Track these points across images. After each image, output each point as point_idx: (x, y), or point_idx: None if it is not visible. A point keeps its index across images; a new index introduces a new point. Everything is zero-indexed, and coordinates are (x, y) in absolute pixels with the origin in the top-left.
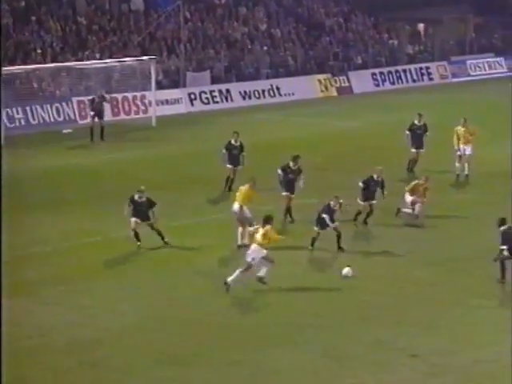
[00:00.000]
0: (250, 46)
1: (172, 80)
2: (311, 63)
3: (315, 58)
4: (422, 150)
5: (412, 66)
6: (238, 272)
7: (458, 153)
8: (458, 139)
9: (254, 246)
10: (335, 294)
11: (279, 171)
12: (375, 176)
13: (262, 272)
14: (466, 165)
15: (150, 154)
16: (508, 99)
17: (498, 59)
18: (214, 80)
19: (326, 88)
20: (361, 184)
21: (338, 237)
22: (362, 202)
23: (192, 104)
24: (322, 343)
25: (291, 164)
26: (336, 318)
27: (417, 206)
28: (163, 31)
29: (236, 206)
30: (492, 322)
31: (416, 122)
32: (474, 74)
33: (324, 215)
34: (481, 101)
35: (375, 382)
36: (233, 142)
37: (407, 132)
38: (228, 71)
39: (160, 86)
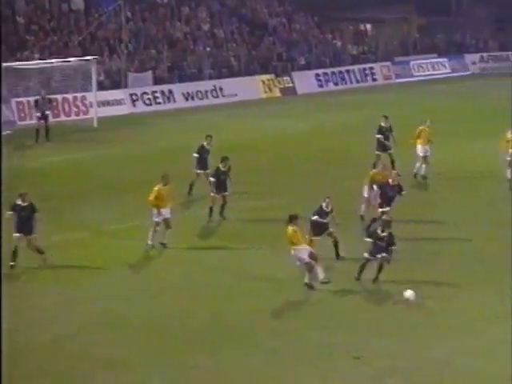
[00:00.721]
0: (192, 47)
1: (113, 81)
2: (254, 64)
3: (258, 58)
4: (390, 151)
5: (356, 67)
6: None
7: (420, 153)
8: (419, 139)
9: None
10: (279, 298)
11: (211, 178)
12: (390, 180)
13: (319, 274)
14: (424, 166)
15: (94, 156)
16: (450, 100)
17: (441, 60)
18: (157, 81)
19: (270, 89)
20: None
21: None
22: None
23: (134, 105)
24: (265, 346)
25: (221, 166)
26: (280, 322)
27: (372, 198)
28: (104, 31)
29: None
30: (436, 323)
31: (383, 124)
32: (417, 74)
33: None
34: (424, 102)
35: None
36: (205, 145)
37: (378, 136)
38: (170, 72)
39: (101, 86)
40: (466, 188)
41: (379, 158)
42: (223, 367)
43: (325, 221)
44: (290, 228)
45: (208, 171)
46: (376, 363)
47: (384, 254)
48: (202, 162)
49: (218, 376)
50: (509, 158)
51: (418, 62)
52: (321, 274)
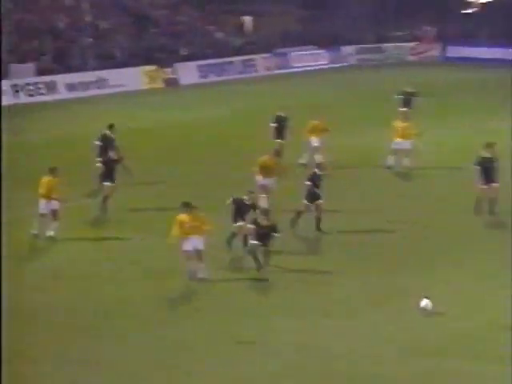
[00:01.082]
0: (75, 38)
1: None
2: (138, 55)
3: (142, 49)
4: (284, 140)
5: (237, 58)
6: None
7: (395, 147)
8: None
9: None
10: (163, 286)
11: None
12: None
13: (200, 270)
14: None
15: None
16: (330, 91)
17: (320, 51)
18: (40, 72)
19: (153, 79)
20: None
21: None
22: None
23: (16, 96)
24: (152, 334)
25: (111, 154)
26: (164, 310)
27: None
28: None
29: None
30: (310, 307)
31: (281, 113)
32: (296, 65)
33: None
34: (303, 91)
35: (203, 369)
36: (108, 134)
37: (272, 124)
38: (54, 63)
39: None
40: (353, 176)
41: (281, 145)
42: (109, 354)
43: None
44: (180, 216)
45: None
46: (259, 347)
47: (265, 242)
48: (104, 151)
49: (104, 364)
50: (394, 147)
51: (298, 53)
52: (202, 270)
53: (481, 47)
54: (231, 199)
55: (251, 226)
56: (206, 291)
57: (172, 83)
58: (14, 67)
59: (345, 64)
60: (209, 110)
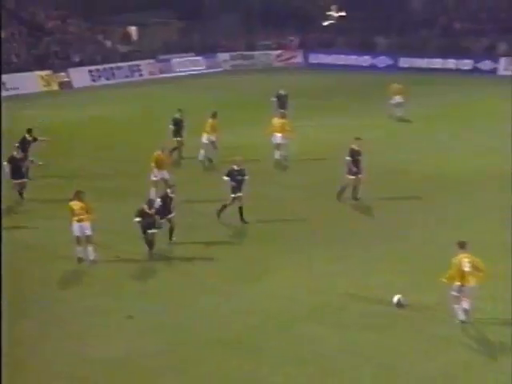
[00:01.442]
0: None
1: None
2: (34, 61)
3: (37, 56)
4: (182, 138)
5: (124, 64)
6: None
7: (206, 141)
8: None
9: None
10: (60, 268)
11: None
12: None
13: (90, 253)
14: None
15: None
16: (208, 93)
17: (197, 58)
18: None
19: (49, 83)
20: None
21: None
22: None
23: None
24: (48, 312)
25: (15, 153)
26: (61, 291)
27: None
28: None
29: None
30: (195, 284)
31: (178, 116)
32: (178, 70)
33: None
34: (184, 94)
35: (94, 342)
36: (27, 137)
37: (171, 126)
38: None
39: None
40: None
41: (182, 144)
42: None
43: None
44: (72, 204)
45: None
46: (145, 321)
47: (153, 230)
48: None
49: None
50: (278, 141)
51: (179, 59)
52: (91, 254)
53: (338, 55)
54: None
55: (137, 219)
56: (95, 273)
57: (66, 86)
58: None
59: (220, 69)
60: (101, 110)
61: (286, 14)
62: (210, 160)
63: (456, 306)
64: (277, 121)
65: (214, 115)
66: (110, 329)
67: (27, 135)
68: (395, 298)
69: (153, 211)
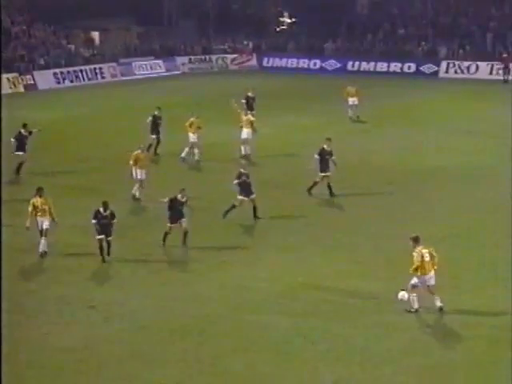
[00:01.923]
0: None
1: None
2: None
3: (3, 59)
4: (159, 136)
5: (87, 67)
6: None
7: (191, 140)
8: (190, 128)
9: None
10: (18, 262)
11: None
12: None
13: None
14: (196, 151)
15: None
16: (168, 94)
17: (157, 61)
18: None
19: (15, 85)
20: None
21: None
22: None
23: None
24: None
25: None
26: (26, 282)
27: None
28: None
29: None
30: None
31: (156, 113)
32: (138, 73)
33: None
34: (146, 95)
35: (61, 331)
36: (23, 132)
37: (148, 120)
38: None
39: None
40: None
41: (157, 141)
42: None
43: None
44: (34, 200)
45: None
46: (107, 310)
47: (100, 236)
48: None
49: None
50: (245, 137)
51: (139, 63)
52: (44, 245)
53: (290, 58)
54: (167, 199)
55: (93, 221)
56: (58, 265)
57: (31, 88)
58: None
59: (178, 72)
60: (66, 110)
61: (240, 19)
62: (198, 161)
63: (413, 296)
64: (244, 117)
65: (194, 114)
66: (75, 318)
67: (23, 130)
68: (400, 295)
69: (107, 213)
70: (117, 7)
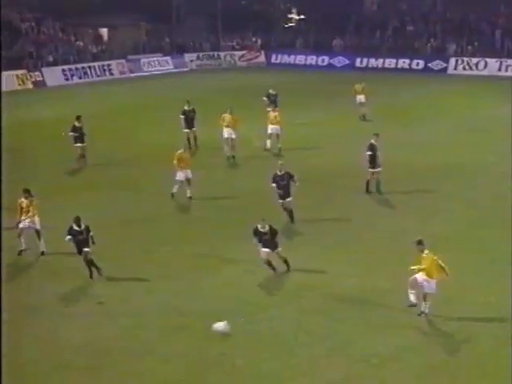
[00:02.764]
0: None
1: None
2: (9, 61)
3: (12, 56)
4: (194, 129)
5: (96, 64)
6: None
7: (226, 135)
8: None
9: None
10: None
11: None
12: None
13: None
14: (268, 141)
15: None
16: (176, 91)
17: (165, 58)
18: None
19: (23, 82)
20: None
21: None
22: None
23: None
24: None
25: None
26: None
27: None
28: None
29: None
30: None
31: (186, 107)
32: (147, 70)
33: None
34: (154, 91)
35: (67, 328)
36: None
37: (181, 116)
38: None
39: None
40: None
41: (195, 134)
42: None
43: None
44: (20, 201)
45: None
46: (113, 307)
47: (86, 249)
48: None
49: None
50: (273, 132)
51: (147, 60)
52: (43, 246)
53: (298, 55)
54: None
55: (68, 237)
56: (57, 264)
57: (40, 85)
58: None
59: (186, 69)
60: (75, 107)
61: (249, 16)
62: (233, 156)
63: (411, 291)
64: (271, 114)
65: (228, 109)
66: (81, 314)
67: (76, 122)
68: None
69: (82, 228)
70: (126, 4)
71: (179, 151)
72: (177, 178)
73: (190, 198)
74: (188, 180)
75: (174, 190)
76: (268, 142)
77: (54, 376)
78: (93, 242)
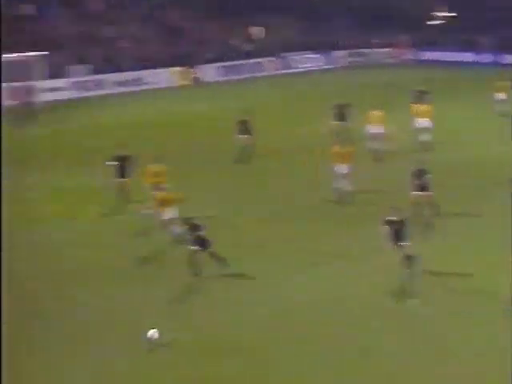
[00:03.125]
0: (119, 45)
1: (56, 72)
2: (172, 58)
3: (174, 54)
4: (347, 122)
5: (248, 61)
6: None
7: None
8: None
9: None
10: None
11: None
12: None
13: None
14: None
15: None
16: (330, 86)
17: (316, 55)
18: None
19: (184, 78)
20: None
21: None
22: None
23: (76, 91)
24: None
25: None
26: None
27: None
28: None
29: None
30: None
31: (340, 103)
32: (298, 66)
33: None
34: (307, 88)
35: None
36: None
37: (334, 110)
38: (103, 65)
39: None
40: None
41: (347, 128)
42: None
43: None
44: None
45: None
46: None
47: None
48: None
49: None
50: (424, 126)
51: (298, 57)
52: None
53: (444, 52)
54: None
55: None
56: None
57: (198, 81)
58: (72, 68)
59: (337, 66)
60: (233, 102)
61: (397, 14)
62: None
63: None
64: (421, 108)
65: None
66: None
67: (245, 117)
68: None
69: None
70: (278, 3)
71: (335, 147)
72: (338, 171)
73: (348, 192)
74: (346, 175)
75: (335, 184)
76: (421, 136)
77: None
78: None
